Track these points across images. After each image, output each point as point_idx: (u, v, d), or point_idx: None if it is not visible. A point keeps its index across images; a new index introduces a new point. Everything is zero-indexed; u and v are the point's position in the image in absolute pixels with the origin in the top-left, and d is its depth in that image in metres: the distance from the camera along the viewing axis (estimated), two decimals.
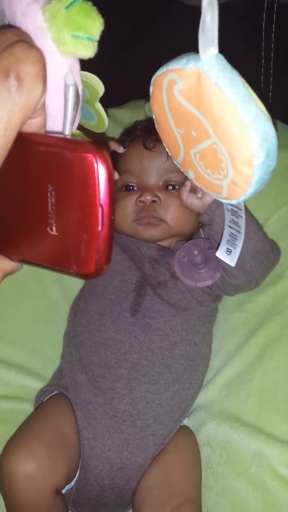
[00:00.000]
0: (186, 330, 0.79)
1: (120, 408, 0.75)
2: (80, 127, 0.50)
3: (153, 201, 0.81)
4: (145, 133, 0.85)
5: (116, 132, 0.94)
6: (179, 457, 0.76)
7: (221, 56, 0.43)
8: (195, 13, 0.39)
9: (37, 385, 0.83)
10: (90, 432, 0.74)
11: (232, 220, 0.60)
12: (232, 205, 0.57)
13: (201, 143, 0.48)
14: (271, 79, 0.96)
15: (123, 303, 0.79)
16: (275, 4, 0.87)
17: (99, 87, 0.52)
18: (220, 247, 0.64)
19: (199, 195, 0.76)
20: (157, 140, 0.82)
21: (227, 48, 0.91)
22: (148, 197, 0.81)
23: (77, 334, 0.81)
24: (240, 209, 0.57)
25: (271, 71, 0.94)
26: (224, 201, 0.52)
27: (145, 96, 0.96)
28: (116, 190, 0.86)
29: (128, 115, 1.01)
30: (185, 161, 0.53)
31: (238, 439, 0.75)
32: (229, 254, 0.63)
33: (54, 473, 0.67)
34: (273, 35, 0.90)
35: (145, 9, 0.97)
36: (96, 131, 0.57)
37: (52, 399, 0.79)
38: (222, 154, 0.46)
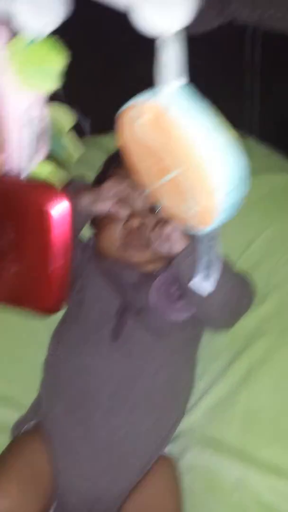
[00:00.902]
0: (167, 357, 0.78)
1: (98, 437, 0.73)
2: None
3: (140, 226, 0.81)
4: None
5: (101, 159, 0.95)
6: (158, 486, 0.74)
7: (185, 89, 0.44)
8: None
9: (16, 414, 0.82)
10: (68, 463, 0.73)
11: (208, 245, 0.61)
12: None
13: (165, 176, 0.49)
14: (254, 101, 0.97)
15: (104, 329, 0.78)
16: (257, 33, 0.89)
17: (67, 120, 0.53)
18: (195, 276, 0.64)
19: (168, 245, 0.74)
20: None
21: (209, 79, 0.93)
22: (134, 223, 0.81)
23: (57, 361, 0.80)
24: (214, 235, 0.58)
25: (257, 90, 0.95)
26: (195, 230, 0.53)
27: None
28: (104, 215, 0.86)
29: (112, 142, 1.02)
30: (153, 193, 0.54)
31: (221, 465, 0.73)
32: (206, 280, 0.64)
33: (26, 510, 0.66)
34: (254, 62, 0.91)
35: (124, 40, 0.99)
36: (66, 163, 0.58)
37: (29, 431, 0.78)
38: (185, 186, 0.47)
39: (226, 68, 0.96)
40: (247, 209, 0.86)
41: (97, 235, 0.85)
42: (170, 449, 0.81)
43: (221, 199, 0.45)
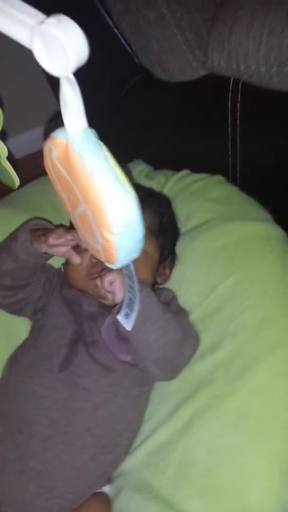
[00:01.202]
0: (113, 392, 0.78)
1: (30, 465, 0.73)
2: None
3: None
4: None
5: None
6: None
7: (88, 130, 0.45)
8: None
9: None
10: None
11: (129, 285, 0.61)
12: (126, 269, 0.58)
13: (77, 208, 0.50)
14: (238, 150, 0.98)
15: (54, 357, 0.79)
16: (239, 84, 0.91)
17: (2, 147, 0.56)
18: (119, 311, 0.65)
19: (111, 294, 0.75)
20: None
21: (194, 124, 0.95)
22: None
23: (5, 384, 0.82)
24: (132, 274, 0.58)
25: (237, 137, 0.97)
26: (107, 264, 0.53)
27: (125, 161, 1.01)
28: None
29: None
30: (74, 223, 0.55)
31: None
32: (127, 318, 0.64)
33: None
34: (238, 113, 0.93)
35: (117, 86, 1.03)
36: (10, 186, 0.60)
37: None
38: (90, 220, 0.48)
39: (209, 114, 0.98)
40: (215, 254, 0.88)
41: (66, 263, 0.86)
42: (108, 488, 0.80)
43: (117, 237, 0.46)
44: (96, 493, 0.78)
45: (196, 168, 1.03)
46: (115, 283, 0.73)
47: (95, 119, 1.11)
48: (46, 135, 0.49)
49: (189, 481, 0.72)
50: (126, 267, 0.58)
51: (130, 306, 0.64)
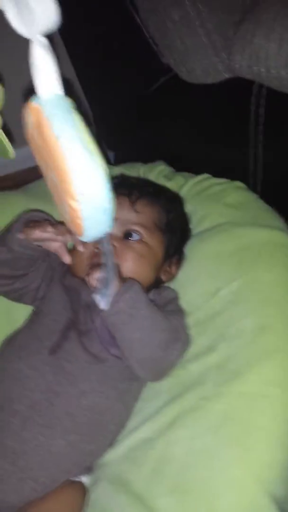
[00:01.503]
0: (100, 381, 0.77)
1: (6, 443, 0.73)
2: None
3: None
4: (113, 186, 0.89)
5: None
6: (54, 510, 0.72)
7: (60, 96, 0.46)
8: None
9: None
10: None
11: (106, 263, 0.61)
12: (102, 247, 0.58)
13: (49, 175, 0.51)
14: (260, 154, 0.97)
15: (46, 341, 0.80)
16: (263, 89, 0.90)
17: None
18: (96, 290, 0.64)
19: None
20: (123, 193, 0.86)
21: (216, 127, 0.95)
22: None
23: None
24: (108, 253, 0.58)
25: (260, 142, 0.95)
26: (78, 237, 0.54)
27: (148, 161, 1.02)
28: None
29: (119, 171, 1.06)
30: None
31: (116, 505, 0.70)
32: (102, 298, 0.64)
33: None
34: (259, 116, 0.92)
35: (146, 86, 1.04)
36: (4, 157, 0.62)
37: None
38: (58, 187, 0.49)
39: (232, 118, 0.97)
40: (223, 257, 0.87)
41: (71, 252, 0.87)
42: (86, 479, 0.79)
43: (81, 205, 0.47)
44: (74, 481, 0.77)
45: (218, 173, 1.03)
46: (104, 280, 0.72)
47: (122, 117, 1.14)
48: None
49: (162, 478, 0.70)
50: (102, 244, 0.58)
51: (107, 285, 0.64)
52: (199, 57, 0.89)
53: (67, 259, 0.80)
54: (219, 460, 0.69)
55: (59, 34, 1.18)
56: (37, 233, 0.77)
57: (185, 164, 1.07)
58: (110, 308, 0.73)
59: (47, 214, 0.88)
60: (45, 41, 0.44)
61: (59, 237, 0.77)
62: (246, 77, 0.86)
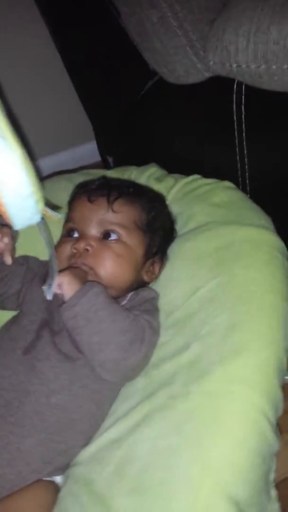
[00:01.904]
0: (70, 380, 0.77)
1: None
2: None
3: (86, 249, 0.83)
4: (93, 188, 0.90)
5: None
6: (21, 509, 0.71)
7: None
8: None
9: None
10: None
11: (49, 254, 0.62)
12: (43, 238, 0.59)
13: None
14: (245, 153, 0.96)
15: (21, 341, 0.81)
16: (242, 86, 0.89)
17: None
18: (45, 281, 0.65)
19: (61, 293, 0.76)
20: (102, 195, 0.87)
21: (204, 128, 0.94)
22: (81, 245, 0.83)
23: None
24: (48, 242, 0.59)
25: (244, 141, 0.94)
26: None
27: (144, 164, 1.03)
28: (61, 235, 0.91)
29: (113, 175, 1.07)
30: None
31: (77, 505, 0.69)
32: (48, 289, 0.64)
33: None
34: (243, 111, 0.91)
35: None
36: None
37: None
38: None
39: (217, 117, 0.96)
40: (204, 256, 0.86)
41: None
42: (60, 478, 0.79)
43: (3, 195, 0.48)
44: (45, 481, 0.77)
45: (209, 173, 1.02)
46: (63, 285, 0.75)
47: (116, 122, 1.15)
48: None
49: (123, 478, 0.69)
50: (43, 234, 0.58)
51: (51, 275, 0.64)
52: (179, 58, 0.90)
53: (8, 260, 0.81)
54: (179, 460, 0.66)
55: (57, 49, 1.22)
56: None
57: (178, 165, 1.07)
58: (68, 313, 0.73)
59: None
60: None
61: None
62: (221, 74, 0.85)
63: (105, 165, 1.32)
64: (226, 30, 0.78)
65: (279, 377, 0.72)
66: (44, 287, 0.68)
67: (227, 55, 0.79)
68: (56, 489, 0.77)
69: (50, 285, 0.67)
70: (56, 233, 0.91)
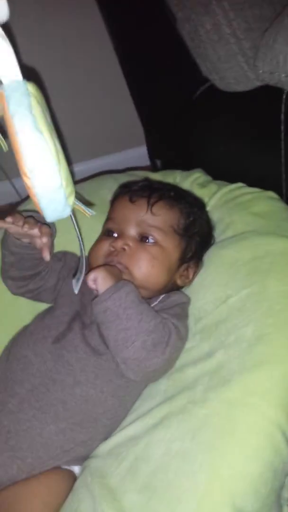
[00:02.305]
0: (96, 373, 0.80)
1: (2, 422, 0.77)
2: None
3: (123, 248, 0.85)
4: (136, 189, 0.92)
5: None
6: (35, 492, 0.74)
7: (21, 82, 0.50)
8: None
9: None
10: None
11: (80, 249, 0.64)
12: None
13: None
14: None
15: (53, 330, 0.84)
16: None
17: None
18: (74, 274, 0.67)
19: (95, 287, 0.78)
20: (143, 196, 0.88)
21: (251, 137, 0.94)
22: (118, 244, 0.85)
23: (9, 345, 0.89)
24: (79, 237, 0.61)
25: None
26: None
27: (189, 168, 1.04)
28: (101, 233, 0.93)
29: (158, 178, 1.09)
30: None
31: (88, 496, 0.71)
32: (77, 282, 0.66)
33: None
34: None
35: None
36: None
37: None
38: (20, 163, 0.52)
39: (264, 127, 0.95)
40: (238, 265, 0.87)
41: (90, 249, 0.91)
42: (77, 470, 0.81)
43: (32, 181, 0.50)
44: (63, 469, 0.79)
45: (254, 183, 1.01)
46: (98, 280, 0.77)
47: (167, 126, 1.16)
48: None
49: (136, 476, 0.70)
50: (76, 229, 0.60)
51: (80, 269, 0.66)
52: (230, 65, 0.90)
53: (46, 256, 0.83)
54: (191, 465, 0.67)
55: (115, 52, 1.24)
56: (13, 228, 0.80)
57: (224, 173, 1.07)
58: (99, 306, 0.75)
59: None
60: (1, 31, 0.48)
61: (33, 232, 0.81)
62: (270, 84, 0.84)
63: (153, 168, 1.34)
64: (277, 40, 0.78)
65: None
66: (73, 280, 0.70)
67: (277, 64, 0.79)
68: (73, 478, 0.79)
69: (78, 278, 0.69)
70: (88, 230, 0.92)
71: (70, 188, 0.52)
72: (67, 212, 0.54)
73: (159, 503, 0.65)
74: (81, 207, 0.56)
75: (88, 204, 0.75)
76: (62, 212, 0.54)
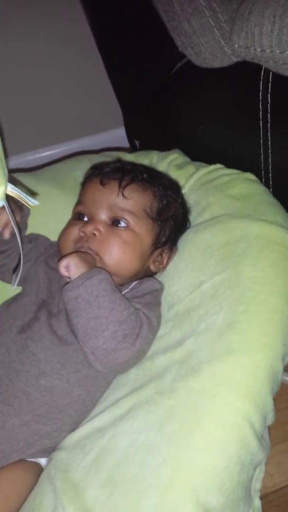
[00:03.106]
0: (62, 363, 0.76)
1: None
2: None
3: (94, 234, 0.82)
4: (107, 171, 0.88)
5: None
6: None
7: None
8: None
9: None
10: None
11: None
12: None
13: None
14: (269, 144, 0.91)
15: (18, 320, 0.81)
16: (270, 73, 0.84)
17: None
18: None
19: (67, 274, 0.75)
20: (114, 178, 0.85)
21: (229, 116, 0.90)
22: (88, 229, 0.82)
23: None
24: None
25: (269, 135, 0.89)
26: None
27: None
28: (71, 217, 0.90)
29: (132, 159, 1.05)
30: None
31: (50, 490, 0.69)
32: (15, 277, 0.63)
33: None
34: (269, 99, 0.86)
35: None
36: None
37: None
38: None
39: (242, 105, 0.91)
40: (212, 250, 0.83)
41: (59, 235, 0.88)
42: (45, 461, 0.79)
43: None
44: (28, 462, 0.77)
45: (233, 163, 0.97)
46: (70, 267, 0.74)
47: (143, 105, 1.12)
48: None
49: (100, 470, 0.67)
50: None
51: (20, 263, 0.63)
52: (206, 39, 0.85)
53: (6, 234, 0.79)
54: (154, 458, 0.64)
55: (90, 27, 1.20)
56: None
57: (202, 153, 1.03)
58: (70, 293, 0.72)
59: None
60: None
61: None
62: (247, 59, 0.80)
63: (132, 149, 1.29)
64: (252, 11, 0.73)
65: (270, 384, 0.68)
66: (13, 275, 0.67)
67: (252, 37, 0.74)
68: (39, 470, 0.77)
69: (18, 273, 0.65)
70: None
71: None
72: None
73: (121, 499, 0.63)
74: (21, 197, 0.53)
75: (32, 193, 0.72)
76: None
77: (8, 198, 0.62)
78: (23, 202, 0.54)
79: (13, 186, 0.56)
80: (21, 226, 0.89)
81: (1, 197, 0.50)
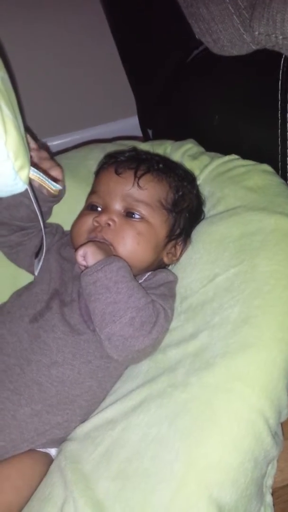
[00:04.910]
0: (74, 354, 0.76)
1: None
2: None
3: (108, 224, 0.81)
4: (121, 160, 0.86)
5: None
6: (6, 476, 0.71)
7: None
8: None
9: None
10: None
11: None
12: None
13: None
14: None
15: (30, 309, 0.80)
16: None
17: None
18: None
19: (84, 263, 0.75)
20: (130, 168, 0.83)
21: (246, 106, 0.88)
22: (103, 219, 0.81)
23: None
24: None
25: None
26: None
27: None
28: (84, 207, 0.89)
29: (147, 148, 1.03)
30: None
31: (61, 480, 0.68)
32: (37, 263, 0.62)
33: None
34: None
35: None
36: None
37: None
38: None
39: (260, 95, 0.89)
40: (227, 242, 0.82)
41: (72, 225, 0.87)
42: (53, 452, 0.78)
43: None
44: (38, 452, 0.76)
45: (248, 154, 0.96)
46: (87, 255, 0.74)
47: (154, 93, 1.10)
48: None
49: (111, 462, 0.67)
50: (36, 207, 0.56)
51: (43, 249, 0.62)
52: (224, 26, 0.83)
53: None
54: (167, 453, 0.64)
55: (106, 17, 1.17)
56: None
57: (217, 143, 1.02)
58: (89, 277, 0.71)
59: None
60: None
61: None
62: (267, 47, 0.78)
63: (145, 138, 1.28)
64: None
65: (285, 380, 0.67)
66: (35, 260, 0.66)
67: (273, 25, 0.72)
68: (49, 461, 0.76)
69: (40, 258, 0.64)
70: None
71: (21, 161, 0.47)
72: (20, 186, 0.49)
73: (132, 493, 0.62)
74: (44, 181, 0.52)
75: (54, 179, 0.71)
76: (13, 187, 0.49)
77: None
78: (45, 186, 0.53)
79: (35, 169, 0.55)
80: (46, 211, 0.88)
81: (25, 181, 0.48)
